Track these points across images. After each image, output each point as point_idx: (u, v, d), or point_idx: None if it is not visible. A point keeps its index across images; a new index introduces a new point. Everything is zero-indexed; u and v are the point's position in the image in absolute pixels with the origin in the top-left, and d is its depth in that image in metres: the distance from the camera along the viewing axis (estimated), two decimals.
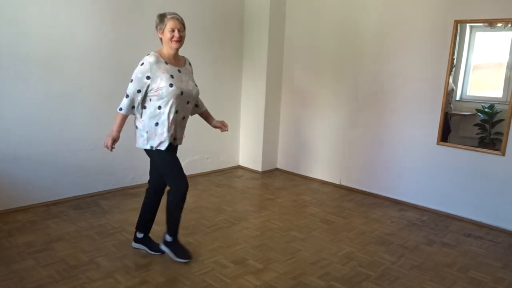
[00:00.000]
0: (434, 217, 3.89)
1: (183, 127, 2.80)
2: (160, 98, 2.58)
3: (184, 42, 2.69)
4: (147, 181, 2.98)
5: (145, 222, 2.94)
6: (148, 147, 2.66)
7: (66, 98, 3.72)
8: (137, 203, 3.88)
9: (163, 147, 2.65)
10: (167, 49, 2.63)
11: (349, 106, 4.54)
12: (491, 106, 3.64)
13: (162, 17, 2.60)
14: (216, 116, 3.17)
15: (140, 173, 4.35)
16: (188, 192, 2.74)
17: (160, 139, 2.64)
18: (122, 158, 4.20)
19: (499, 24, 3.52)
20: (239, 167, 5.39)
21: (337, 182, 4.76)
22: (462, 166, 3.79)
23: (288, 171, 5.25)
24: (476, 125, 3.75)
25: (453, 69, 3.74)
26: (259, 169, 5.17)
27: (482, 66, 3.75)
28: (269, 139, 5.18)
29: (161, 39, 2.65)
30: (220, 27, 4.86)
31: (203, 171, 5.01)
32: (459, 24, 3.66)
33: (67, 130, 3.78)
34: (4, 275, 2.55)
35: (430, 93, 3.90)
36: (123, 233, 3.24)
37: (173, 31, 2.56)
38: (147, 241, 2.95)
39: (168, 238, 2.85)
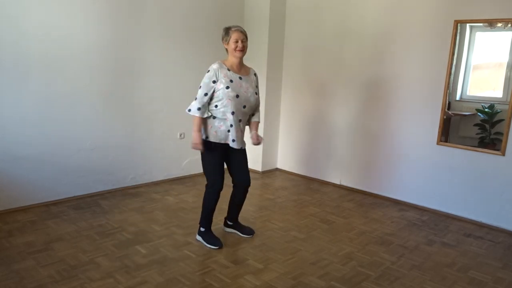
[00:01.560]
0: (434, 217, 3.89)
1: (241, 130, 3.00)
2: (218, 99, 2.87)
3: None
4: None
5: (228, 211, 3.35)
6: (203, 137, 2.92)
7: (66, 98, 3.72)
8: (137, 203, 3.89)
9: (217, 139, 2.90)
10: (231, 58, 2.94)
11: (349, 106, 4.54)
12: (491, 106, 3.64)
13: (227, 30, 2.91)
14: None
15: (140, 173, 4.35)
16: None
17: (215, 130, 2.90)
18: (122, 158, 4.20)
19: (499, 24, 3.52)
20: None
21: (337, 182, 4.76)
22: (462, 166, 3.79)
23: (288, 171, 5.25)
24: (476, 125, 3.75)
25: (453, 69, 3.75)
26: (259, 169, 5.17)
27: (482, 66, 3.75)
28: (269, 139, 5.18)
29: (226, 49, 2.95)
30: (220, 27, 4.75)
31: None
32: (459, 24, 3.66)
33: (67, 130, 3.78)
34: (4, 275, 2.55)
35: (430, 93, 3.90)
36: (123, 233, 3.24)
37: (237, 41, 2.86)
38: (238, 226, 3.36)
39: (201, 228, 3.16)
